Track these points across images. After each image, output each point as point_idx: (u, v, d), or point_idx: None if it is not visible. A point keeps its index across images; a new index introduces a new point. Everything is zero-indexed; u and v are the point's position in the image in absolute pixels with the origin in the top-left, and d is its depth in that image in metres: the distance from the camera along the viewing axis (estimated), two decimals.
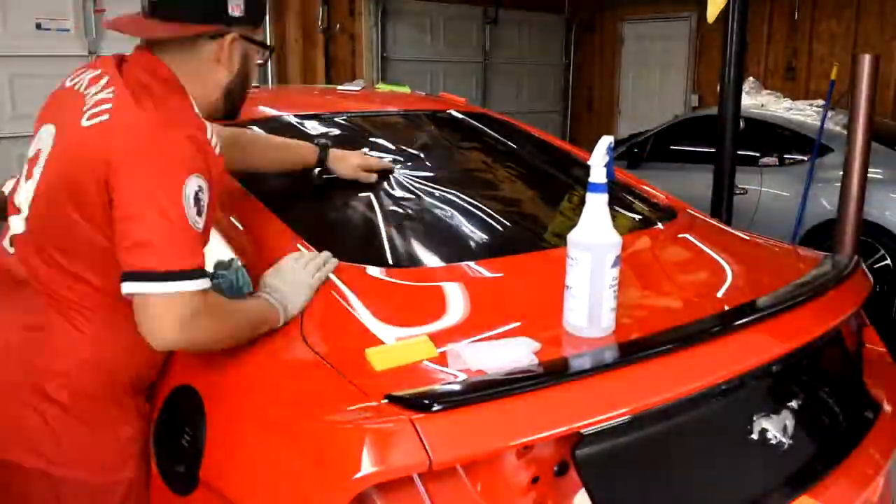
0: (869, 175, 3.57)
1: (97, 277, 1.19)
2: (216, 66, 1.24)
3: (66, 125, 1.20)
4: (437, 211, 1.73)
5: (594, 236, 1.25)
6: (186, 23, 1.20)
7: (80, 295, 1.19)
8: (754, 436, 1.31)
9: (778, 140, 4.85)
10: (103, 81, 1.20)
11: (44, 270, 1.20)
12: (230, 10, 1.21)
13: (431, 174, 1.94)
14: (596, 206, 1.25)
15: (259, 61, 1.32)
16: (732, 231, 2.04)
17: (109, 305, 1.19)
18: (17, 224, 1.24)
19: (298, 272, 1.29)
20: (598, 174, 1.25)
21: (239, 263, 1.41)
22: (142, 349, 1.19)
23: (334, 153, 1.69)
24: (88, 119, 1.16)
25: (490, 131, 2.29)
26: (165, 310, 1.08)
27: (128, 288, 1.09)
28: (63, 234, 1.18)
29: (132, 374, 1.25)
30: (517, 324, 1.30)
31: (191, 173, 1.11)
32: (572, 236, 1.27)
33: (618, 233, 1.27)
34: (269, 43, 1.36)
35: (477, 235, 1.65)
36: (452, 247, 1.59)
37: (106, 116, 1.15)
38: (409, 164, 1.94)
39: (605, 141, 1.27)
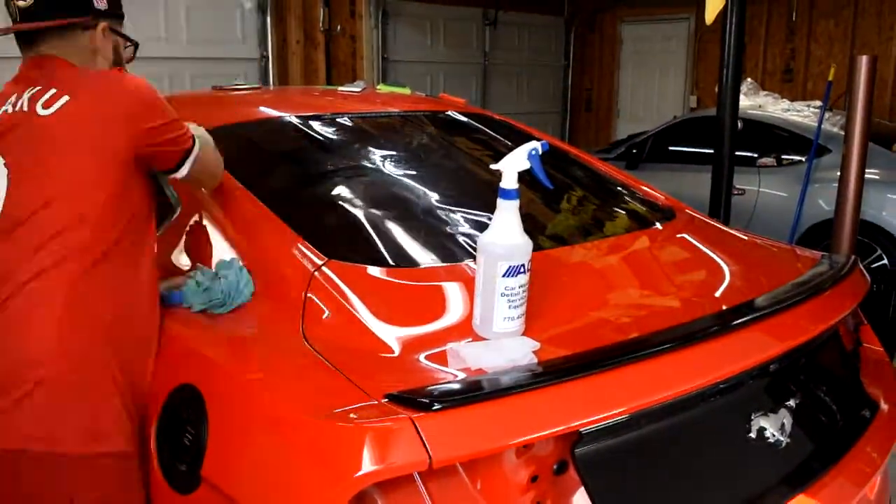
0: (866, 175, 3.58)
1: (90, 228, 1.25)
2: (94, 55, 1.41)
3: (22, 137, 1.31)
4: (438, 211, 1.74)
5: (491, 243, 1.23)
6: (58, 17, 1.35)
7: (62, 251, 1.24)
8: (752, 434, 1.32)
9: (776, 141, 4.87)
10: (28, 91, 1.32)
11: (20, 245, 1.24)
12: (96, 4, 1.39)
13: (431, 175, 1.95)
14: (505, 212, 1.22)
15: (128, 55, 1.52)
16: (731, 231, 2.05)
17: (92, 260, 1.25)
18: None
19: None
20: (508, 180, 1.22)
21: (240, 263, 1.42)
22: (126, 319, 1.28)
23: None
24: (45, 108, 1.28)
25: (490, 132, 2.30)
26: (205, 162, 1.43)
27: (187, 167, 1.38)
28: (51, 193, 1.25)
29: (117, 344, 1.27)
30: None
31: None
32: (480, 237, 1.26)
33: (525, 244, 1.23)
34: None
35: (478, 236, 1.66)
36: (453, 247, 1.60)
37: (66, 98, 1.28)
38: (410, 164, 1.95)
39: (528, 146, 1.23)
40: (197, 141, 1.41)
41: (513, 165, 1.22)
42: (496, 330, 1.24)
